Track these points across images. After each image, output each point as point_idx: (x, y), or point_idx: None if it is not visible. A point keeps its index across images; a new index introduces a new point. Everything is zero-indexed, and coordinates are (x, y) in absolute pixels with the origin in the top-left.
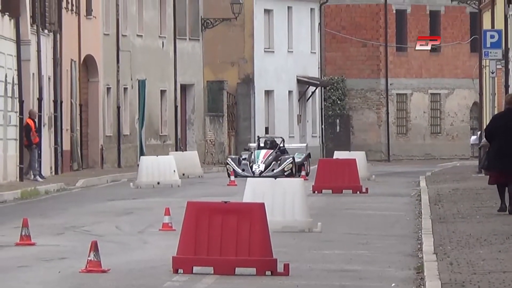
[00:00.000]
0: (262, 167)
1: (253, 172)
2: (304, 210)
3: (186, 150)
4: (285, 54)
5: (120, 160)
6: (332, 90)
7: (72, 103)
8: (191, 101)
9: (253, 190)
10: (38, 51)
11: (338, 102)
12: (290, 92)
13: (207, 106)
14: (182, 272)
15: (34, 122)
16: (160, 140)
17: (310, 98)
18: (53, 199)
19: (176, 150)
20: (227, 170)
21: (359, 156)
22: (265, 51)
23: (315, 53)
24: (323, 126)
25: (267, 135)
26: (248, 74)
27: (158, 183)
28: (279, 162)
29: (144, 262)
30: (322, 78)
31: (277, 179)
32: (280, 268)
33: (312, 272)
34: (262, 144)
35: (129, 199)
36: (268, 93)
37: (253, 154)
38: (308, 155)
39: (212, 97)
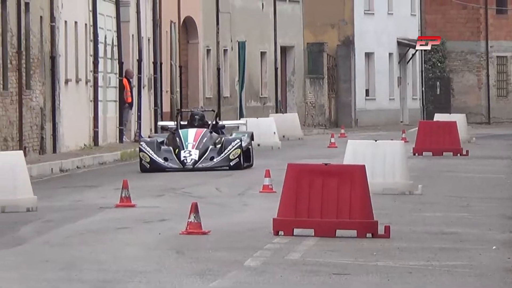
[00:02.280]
0: (195, 154)
1: (183, 163)
2: (404, 172)
3: (286, 112)
4: (385, 16)
5: None
6: (432, 53)
7: (172, 64)
8: (291, 63)
9: (354, 152)
10: (138, 12)
11: (438, 64)
12: (390, 54)
13: (307, 68)
14: (282, 234)
15: (129, 81)
16: (260, 102)
17: (410, 61)
18: None
19: (276, 112)
20: (141, 159)
21: (459, 119)
22: (365, 13)
23: (415, 15)
24: (423, 89)
25: (193, 108)
26: (348, 36)
27: (259, 145)
28: (219, 146)
29: (244, 224)
30: None
31: (377, 141)
32: (380, 230)
33: (413, 235)
34: (183, 122)
35: None
36: (368, 55)
37: (177, 136)
38: (251, 137)
39: (312, 59)
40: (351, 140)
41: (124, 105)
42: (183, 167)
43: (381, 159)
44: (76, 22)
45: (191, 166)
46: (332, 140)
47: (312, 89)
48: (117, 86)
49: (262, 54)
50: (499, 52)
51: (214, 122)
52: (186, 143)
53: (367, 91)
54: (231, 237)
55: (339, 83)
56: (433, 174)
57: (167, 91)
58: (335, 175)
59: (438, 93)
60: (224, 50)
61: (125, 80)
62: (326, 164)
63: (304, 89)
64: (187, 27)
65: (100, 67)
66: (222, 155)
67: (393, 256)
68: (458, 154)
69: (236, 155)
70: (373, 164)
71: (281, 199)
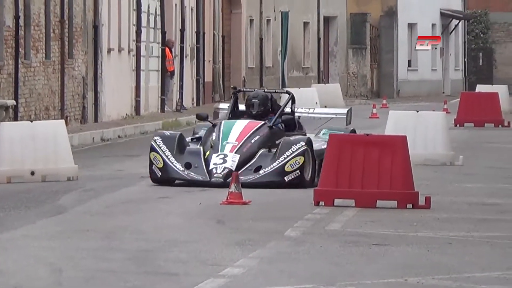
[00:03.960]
0: (232, 161)
1: (210, 173)
2: (446, 143)
3: (328, 83)
4: None
5: None
6: (475, 24)
7: (215, 34)
8: (334, 33)
9: (395, 123)
10: None
11: (481, 35)
12: (433, 25)
13: (350, 39)
14: (323, 204)
15: (171, 51)
16: (302, 72)
17: (453, 32)
18: None
19: (319, 82)
20: (151, 162)
21: (501, 90)
22: None
23: None
24: (465, 60)
25: (251, 89)
26: (391, 7)
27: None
28: (274, 150)
29: (285, 194)
30: (466, 11)
31: (418, 112)
32: (421, 201)
33: (453, 205)
34: (239, 106)
35: None
36: (411, 26)
37: (215, 130)
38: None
39: (355, 30)
40: (392, 111)
41: (166, 74)
42: (209, 180)
43: (422, 130)
44: None
45: (221, 180)
46: (374, 110)
47: (355, 59)
48: (159, 55)
49: (305, 24)
50: None
51: (284, 111)
52: (224, 143)
53: (409, 62)
54: (271, 207)
55: (382, 53)
56: (474, 145)
57: (209, 61)
58: (377, 146)
59: (480, 64)
60: (267, 20)
61: (167, 49)
62: (367, 135)
63: (346, 59)
64: None
65: (143, 36)
66: (274, 164)
67: (433, 227)
68: (500, 126)
69: (296, 166)
70: (414, 135)
71: (323, 170)
